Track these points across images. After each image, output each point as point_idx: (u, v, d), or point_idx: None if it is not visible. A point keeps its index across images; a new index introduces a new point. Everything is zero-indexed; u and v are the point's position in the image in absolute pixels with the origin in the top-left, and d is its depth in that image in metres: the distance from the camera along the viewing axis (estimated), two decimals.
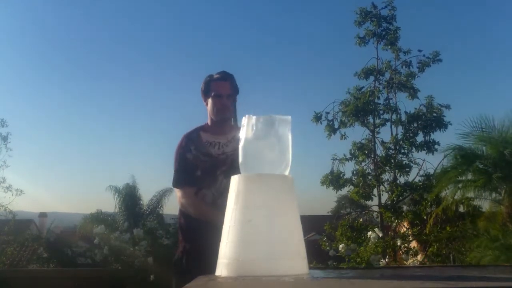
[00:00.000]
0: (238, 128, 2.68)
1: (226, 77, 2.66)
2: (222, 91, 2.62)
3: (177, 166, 2.62)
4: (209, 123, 2.71)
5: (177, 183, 2.61)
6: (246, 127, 1.67)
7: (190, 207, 2.55)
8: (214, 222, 2.03)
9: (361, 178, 10.33)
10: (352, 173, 10.59)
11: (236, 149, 2.61)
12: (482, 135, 7.75)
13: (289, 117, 1.67)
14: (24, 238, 9.04)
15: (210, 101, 2.64)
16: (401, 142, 10.36)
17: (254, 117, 1.67)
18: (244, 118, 1.70)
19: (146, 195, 15.51)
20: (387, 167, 10.38)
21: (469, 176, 7.98)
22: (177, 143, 2.69)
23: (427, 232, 8.96)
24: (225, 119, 2.65)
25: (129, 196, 14.84)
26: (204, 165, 2.56)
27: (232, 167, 2.49)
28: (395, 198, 10.19)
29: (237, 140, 2.60)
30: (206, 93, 2.67)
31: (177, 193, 2.60)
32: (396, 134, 10.55)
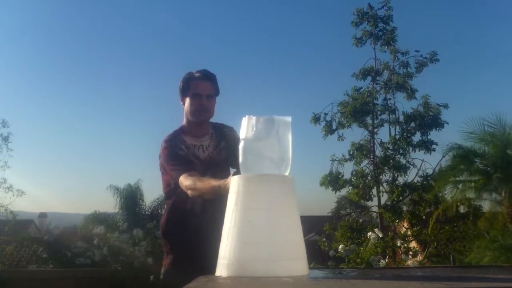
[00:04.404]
0: (216, 128, 2.59)
1: (208, 77, 2.48)
2: (202, 90, 2.44)
3: (173, 162, 2.39)
4: (185, 123, 2.55)
5: (179, 174, 2.31)
6: (246, 128, 1.67)
7: (198, 182, 2.21)
8: (223, 192, 1.87)
9: (360, 179, 10.35)
10: (351, 174, 10.61)
11: (218, 150, 2.56)
12: (484, 134, 7.75)
13: (289, 118, 1.67)
14: (23, 238, 9.04)
15: (188, 100, 2.47)
16: (399, 142, 10.39)
17: (254, 118, 1.66)
18: (244, 118, 1.69)
19: (148, 196, 15.48)
20: (386, 168, 10.40)
21: (469, 177, 7.98)
22: (160, 148, 2.47)
23: (429, 232, 8.98)
24: (202, 120, 2.51)
25: (129, 197, 14.81)
26: (195, 167, 2.39)
27: (218, 169, 2.44)
28: (395, 199, 10.21)
29: (215, 141, 2.55)
30: (184, 92, 2.49)
31: (182, 184, 2.28)
32: (395, 135, 10.59)
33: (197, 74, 2.49)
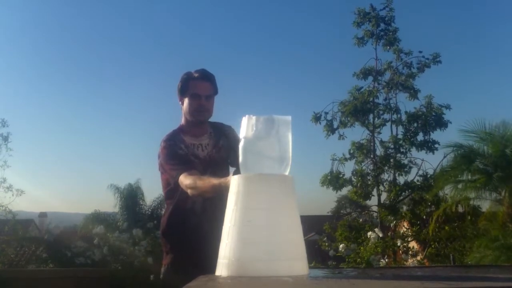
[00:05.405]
0: (215, 128, 2.60)
1: (207, 77, 2.49)
2: (201, 91, 2.45)
3: (173, 162, 2.39)
4: (183, 123, 2.55)
5: (179, 174, 2.30)
6: (246, 127, 1.67)
7: (198, 181, 2.20)
8: (222, 190, 1.86)
9: (360, 178, 10.37)
10: (352, 173, 10.62)
11: (217, 149, 2.56)
12: (483, 134, 7.75)
13: (289, 117, 1.67)
14: (23, 238, 9.04)
15: (186, 100, 2.48)
16: (400, 142, 10.41)
17: (254, 117, 1.66)
18: (244, 118, 1.69)
19: (148, 196, 15.50)
20: (386, 167, 10.42)
21: (469, 176, 7.98)
22: (160, 148, 2.47)
23: (430, 233, 8.99)
24: (202, 120, 2.51)
25: (130, 196, 14.81)
26: (195, 166, 2.38)
27: (218, 168, 2.44)
28: (393, 197, 10.23)
29: (214, 140, 2.55)
30: (183, 92, 2.49)
31: (182, 183, 2.27)
32: (397, 134, 10.61)
33: (196, 75, 2.49)
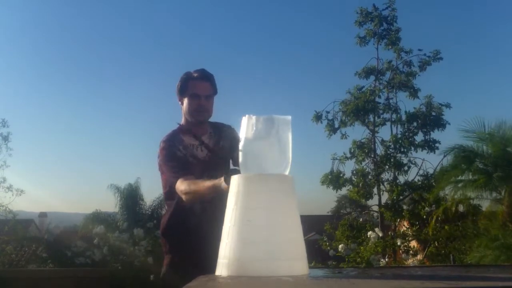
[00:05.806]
0: (215, 128, 2.60)
1: (206, 77, 2.49)
2: (201, 91, 2.45)
3: (171, 164, 2.40)
4: (183, 123, 2.55)
5: (175, 179, 2.31)
6: (246, 127, 1.67)
7: (192, 185, 2.22)
8: (221, 192, 1.89)
9: (361, 178, 10.38)
10: (352, 172, 10.63)
11: (217, 149, 2.58)
12: (483, 134, 7.76)
13: (289, 117, 1.67)
14: (23, 237, 9.04)
15: (186, 100, 2.48)
16: (400, 141, 10.42)
17: (254, 117, 1.66)
18: (244, 118, 1.69)
19: (148, 196, 15.49)
20: (386, 166, 10.43)
21: (469, 176, 7.98)
22: (159, 149, 2.48)
23: (430, 233, 9.00)
24: (201, 120, 2.51)
25: (130, 196, 14.79)
26: (193, 168, 2.39)
27: (218, 168, 2.43)
28: (395, 197, 10.24)
29: (214, 139, 2.56)
30: (182, 92, 2.49)
31: (178, 189, 2.29)
32: (396, 133, 10.62)
33: (195, 74, 2.49)
